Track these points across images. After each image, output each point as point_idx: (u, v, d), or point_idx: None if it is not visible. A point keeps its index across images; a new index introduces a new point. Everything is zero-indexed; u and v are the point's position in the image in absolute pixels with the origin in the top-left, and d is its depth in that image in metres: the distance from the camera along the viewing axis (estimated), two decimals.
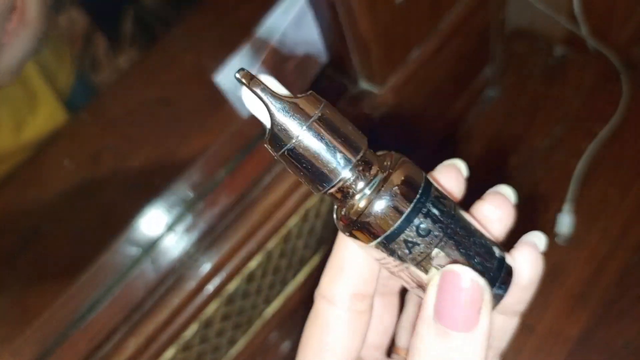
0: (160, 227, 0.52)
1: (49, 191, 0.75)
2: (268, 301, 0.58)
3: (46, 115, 0.81)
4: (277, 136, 0.19)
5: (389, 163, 0.20)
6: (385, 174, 0.19)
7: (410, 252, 0.19)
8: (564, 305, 0.58)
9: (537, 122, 0.69)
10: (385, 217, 0.19)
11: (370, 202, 0.19)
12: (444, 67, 0.59)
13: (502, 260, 0.21)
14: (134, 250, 0.51)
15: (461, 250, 0.20)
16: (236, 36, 0.53)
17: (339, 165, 0.19)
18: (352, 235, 0.20)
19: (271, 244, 0.52)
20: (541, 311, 0.58)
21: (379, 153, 0.21)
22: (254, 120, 0.53)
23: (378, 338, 0.25)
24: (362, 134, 0.20)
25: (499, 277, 0.20)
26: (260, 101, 0.19)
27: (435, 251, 0.19)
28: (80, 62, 0.91)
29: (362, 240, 0.20)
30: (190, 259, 0.49)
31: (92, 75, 0.97)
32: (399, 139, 0.60)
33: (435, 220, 0.19)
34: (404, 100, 0.55)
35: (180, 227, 0.51)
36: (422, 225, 0.19)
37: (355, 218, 0.19)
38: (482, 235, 0.21)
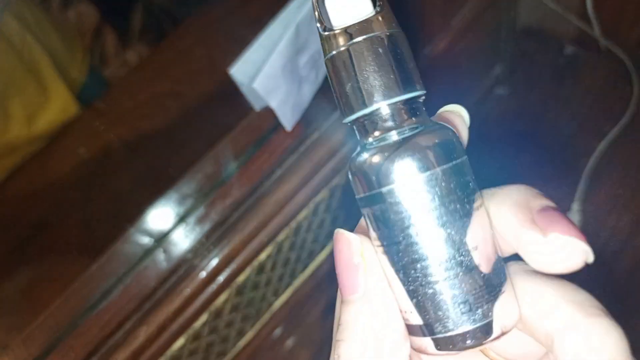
0: (172, 218, 0.52)
1: (60, 182, 0.76)
2: (277, 294, 0.59)
3: (58, 108, 0.82)
4: (351, 30, 0.18)
5: (434, 123, 0.19)
6: (425, 128, 0.18)
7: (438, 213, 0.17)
8: None
9: (546, 121, 0.69)
10: (407, 167, 0.17)
11: (395, 149, 0.17)
12: (455, 64, 0.59)
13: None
14: (145, 240, 0.52)
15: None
16: (247, 30, 0.54)
17: (384, 92, 0.17)
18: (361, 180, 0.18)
19: (281, 237, 0.53)
20: None
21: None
22: (265, 113, 0.53)
23: None
24: (422, 84, 0.19)
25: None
26: None
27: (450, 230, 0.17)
28: (90, 56, 0.91)
29: (375, 185, 0.18)
30: (201, 250, 0.50)
31: (102, 68, 0.97)
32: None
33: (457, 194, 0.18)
34: None
35: (192, 218, 0.51)
36: (454, 188, 0.17)
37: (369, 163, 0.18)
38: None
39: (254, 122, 0.54)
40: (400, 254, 0.17)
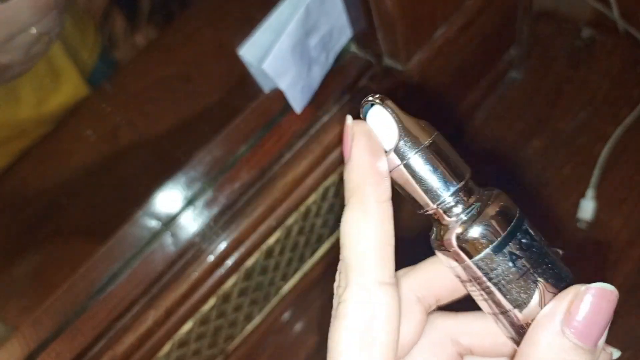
0: (180, 202, 0.52)
1: (69, 165, 0.76)
2: (285, 278, 0.59)
3: (69, 92, 0.81)
4: (399, 150, 0.21)
5: (487, 194, 0.22)
6: (484, 201, 0.21)
7: (514, 265, 0.21)
8: None
9: (561, 105, 0.68)
10: (484, 234, 0.21)
11: (470, 224, 0.21)
12: (469, 46, 0.58)
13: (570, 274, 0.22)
14: (153, 224, 0.51)
15: (555, 271, 0.21)
16: (256, 11, 0.53)
17: (443, 188, 0.21)
18: (448, 254, 0.22)
19: (290, 221, 0.52)
20: None
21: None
22: (275, 96, 0.53)
23: (406, 351, 0.25)
24: (466, 164, 0.22)
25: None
26: (390, 117, 0.21)
27: (533, 269, 0.21)
28: (100, 39, 0.91)
29: (458, 259, 0.21)
30: (209, 234, 0.49)
31: (111, 51, 0.97)
32: (422, 116, 0.59)
33: (533, 238, 0.21)
34: (428, 78, 0.54)
35: (200, 202, 0.51)
36: (524, 241, 0.21)
37: (452, 238, 0.21)
38: (565, 266, 0.22)
39: (263, 105, 0.53)
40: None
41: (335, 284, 0.22)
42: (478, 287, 0.22)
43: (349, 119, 0.22)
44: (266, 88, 0.51)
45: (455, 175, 0.21)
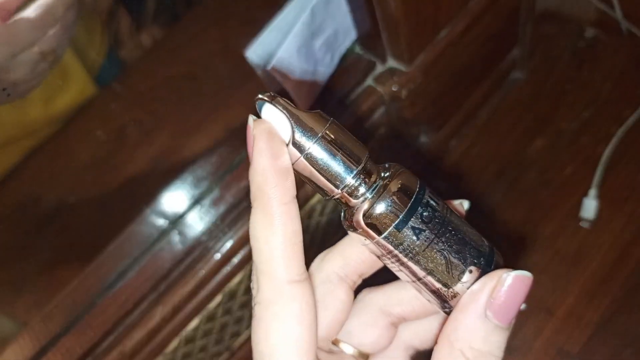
0: (187, 200, 0.53)
1: (77, 163, 0.77)
2: None
3: (76, 91, 0.82)
4: (297, 143, 0.22)
5: (388, 172, 0.23)
6: (385, 180, 0.22)
7: (418, 239, 0.22)
8: (586, 289, 0.58)
9: (564, 105, 0.68)
10: (388, 212, 0.22)
11: (371, 201, 0.22)
12: (472, 47, 0.58)
13: (492, 247, 0.23)
14: (161, 222, 0.52)
15: (459, 236, 0.22)
16: (262, 12, 0.53)
17: (344, 173, 0.22)
18: (359, 233, 0.23)
19: None
20: (562, 295, 0.58)
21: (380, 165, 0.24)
22: (280, 95, 0.53)
23: (337, 329, 0.26)
24: (364, 146, 0.23)
25: (492, 261, 0.23)
26: (282, 114, 0.22)
27: (437, 239, 0.22)
28: (108, 38, 0.91)
29: (368, 237, 0.22)
30: (216, 232, 0.50)
31: (116, 51, 0.97)
32: (424, 116, 0.60)
33: (434, 209, 0.22)
34: (431, 79, 0.55)
35: (207, 201, 0.52)
36: (424, 214, 0.22)
37: (359, 218, 0.22)
38: (471, 227, 0.23)
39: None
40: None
41: (252, 285, 0.23)
42: (391, 259, 0.23)
43: (250, 119, 0.22)
44: (272, 88, 0.52)
45: (354, 159, 0.22)
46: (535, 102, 0.69)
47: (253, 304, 0.22)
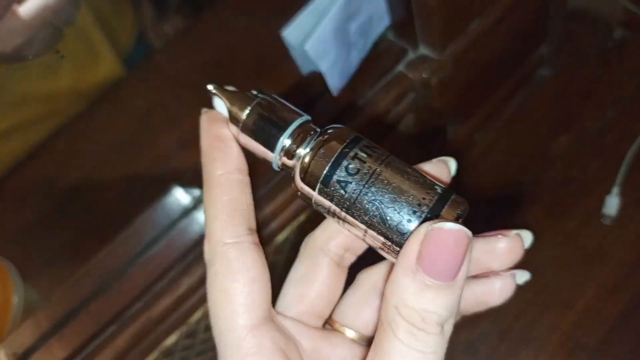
0: None
1: (102, 144, 0.78)
2: None
3: (105, 72, 0.83)
4: (233, 118, 0.24)
5: (326, 131, 0.23)
6: (317, 136, 0.23)
7: (345, 192, 0.21)
8: (606, 285, 0.59)
9: (589, 103, 0.68)
10: (317, 166, 0.22)
11: (303, 158, 0.22)
12: (503, 39, 0.59)
13: (445, 195, 0.21)
14: (188, 199, 0.53)
15: (394, 185, 0.21)
16: (290, 1, 0.54)
17: (276, 137, 0.23)
18: (302, 193, 0.23)
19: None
20: (582, 289, 0.59)
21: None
22: (313, 78, 0.54)
23: (324, 306, 0.26)
24: (301, 112, 0.24)
25: (440, 210, 0.21)
26: (215, 96, 0.25)
27: (365, 189, 0.21)
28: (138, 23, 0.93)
29: (308, 195, 0.23)
30: None
31: (145, 37, 0.99)
32: (452, 107, 0.61)
33: (363, 161, 0.22)
34: (461, 68, 0.56)
35: None
36: (350, 166, 0.21)
37: (297, 176, 0.23)
38: (419, 175, 0.22)
39: (295, 94, 0.55)
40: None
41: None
42: (333, 218, 0.23)
43: (202, 111, 0.25)
44: (304, 70, 0.53)
45: (287, 123, 0.23)
46: (561, 100, 0.69)
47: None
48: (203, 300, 0.51)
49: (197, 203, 0.53)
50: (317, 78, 0.51)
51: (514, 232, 0.24)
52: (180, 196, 0.55)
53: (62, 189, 0.75)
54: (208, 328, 0.54)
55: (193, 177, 0.56)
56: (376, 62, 0.54)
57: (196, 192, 0.55)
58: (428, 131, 0.61)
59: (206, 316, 0.53)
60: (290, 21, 0.49)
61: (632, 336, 0.56)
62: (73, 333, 0.48)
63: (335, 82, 0.51)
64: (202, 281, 0.50)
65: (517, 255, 0.24)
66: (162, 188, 0.58)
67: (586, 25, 0.71)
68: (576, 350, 0.57)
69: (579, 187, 0.64)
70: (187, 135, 0.74)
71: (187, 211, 0.53)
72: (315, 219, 0.27)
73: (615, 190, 0.62)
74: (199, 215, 0.52)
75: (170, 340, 0.50)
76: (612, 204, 0.61)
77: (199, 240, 0.50)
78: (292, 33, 0.49)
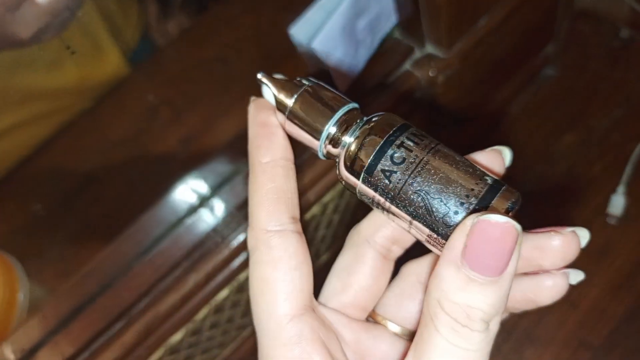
0: (218, 178, 0.54)
1: (108, 140, 0.78)
2: (317, 254, 0.60)
3: (110, 69, 0.83)
4: (280, 106, 0.23)
5: (372, 118, 0.22)
6: (363, 124, 0.22)
7: (390, 182, 0.21)
8: (611, 284, 0.59)
9: (595, 103, 0.68)
10: (361, 155, 0.21)
11: (348, 147, 0.22)
12: (509, 38, 0.59)
13: (495, 186, 0.20)
14: (195, 197, 0.54)
15: (441, 175, 0.20)
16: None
17: (322, 124, 0.22)
18: (346, 183, 0.22)
19: (327, 198, 0.54)
20: (587, 288, 0.59)
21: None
22: (319, 75, 0.54)
23: (368, 299, 0.26)
24: (348, 99, 0.23)
25: (490, 201, 0.20)
26: (265, 85, 0.24)
27: (411, 179, 0.20)
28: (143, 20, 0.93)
29: (352, 185, 0.22)
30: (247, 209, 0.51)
31: (150, 34, 0.99)
32: (458, 105, 0.61)
33: (409, 149, 0.21)
34: (467, 67, 0.56)
35: (239, 176, 0.53)
36: (396, 155, 0.21)
37: (341, 165, 0.22)
38: (469, 164, 0.21)
39: None
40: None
41: None
42: (378, 208, 0.22)
43: (250, 99, 0.25)
44: (313, 66, 0.53)
45: (333, 110, 0.23)
46: (566, 99, 0.69)
47: None
48: (209, 297, 0.51)
49: (203, 200, 0.53)
50: (324, 75, 0.52)
51: (569, 229, 0.23)
52: (187, 193, 0.55)
53: (68, 185, 0.75)
54: (214, 325, 0.54)
55: (199, 174, 0.56)
56: (383, 60, 0.54)
57: (202, 189, 0.55)
58: (434, 129, 0.62)
59: (212, 314, 0.53)
60: (298, 19, 0.49)
61: (637, 335, 0.56)
62: (79, 329, 0.49)
63: (342, 79, 0.51)
64: (208, 279, 0.50)
65: (571, 254, 0.23)
66: (169, 184, 0.58)
67: (592, 25, 0.71)
68: (580, 349, 0.57)
69: (584, 185, 0.64)
70: (193, 132, 0.74)
71: (194, 208, 0.53)
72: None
73: (621, 189, 0.62)
74: (205, 213, 0.52)
75: (176, 337, 0.51)
76: (617, 203, 0.61)
77: (206, 238, 0.50)
78: (299, 31, 0.49)
